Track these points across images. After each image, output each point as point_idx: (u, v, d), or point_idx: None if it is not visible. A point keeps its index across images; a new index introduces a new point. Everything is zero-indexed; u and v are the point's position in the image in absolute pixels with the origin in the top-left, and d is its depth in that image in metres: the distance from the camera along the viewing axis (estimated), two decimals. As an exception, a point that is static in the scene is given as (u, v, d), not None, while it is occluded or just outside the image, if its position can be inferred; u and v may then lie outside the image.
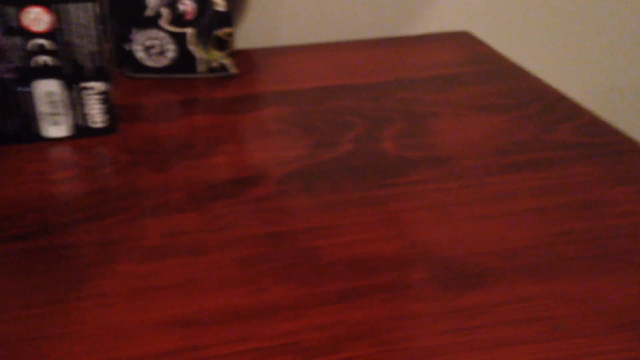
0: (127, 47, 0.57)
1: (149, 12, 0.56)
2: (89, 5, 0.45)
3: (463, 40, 0.69)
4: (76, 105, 0.47)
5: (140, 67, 0.58)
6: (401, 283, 0.34)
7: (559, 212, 0.40)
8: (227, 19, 0.57)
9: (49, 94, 0.46)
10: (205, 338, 0.31)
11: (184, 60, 0.58)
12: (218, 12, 0.57)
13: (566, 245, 0.37)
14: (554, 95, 0.56)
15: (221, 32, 0.58)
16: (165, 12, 0.56)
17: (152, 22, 0.57)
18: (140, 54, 0.57)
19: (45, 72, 0.46)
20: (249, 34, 0.71)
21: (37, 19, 0.44)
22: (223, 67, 0.59)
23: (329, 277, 0.35)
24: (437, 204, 0.41)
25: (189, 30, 0.57)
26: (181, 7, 0.56)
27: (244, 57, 0.64)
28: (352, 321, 0.32)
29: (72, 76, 0.46)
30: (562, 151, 0.47)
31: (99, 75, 0.47)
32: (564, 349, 0.30)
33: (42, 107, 0.46)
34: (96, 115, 0.48)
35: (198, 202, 0.41)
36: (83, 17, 0.45)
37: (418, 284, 0.34)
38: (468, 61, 0.64)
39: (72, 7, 0.44)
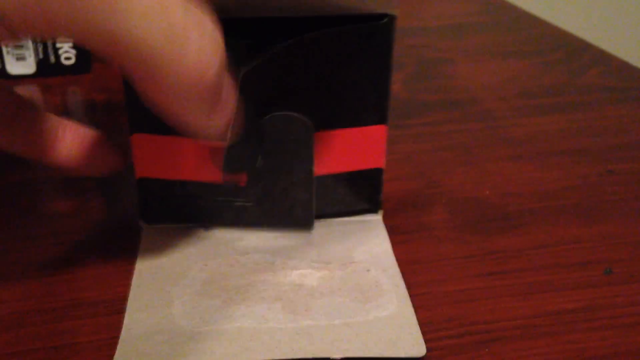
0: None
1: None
2: None
3: (474, -5, 0.64)
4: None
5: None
6: (420, 224, 0.29)
7: (597, 154, 0.35)
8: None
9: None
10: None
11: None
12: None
13: (610, 187, 0.32)
14: (578, 42, 0.51)
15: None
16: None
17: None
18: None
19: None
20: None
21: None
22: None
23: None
24: (458, 144, 0.36)
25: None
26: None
27: None
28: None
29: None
30: (593, 94, 0.42)
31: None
32: (620, 294, 0.25)
33: (8, 42, 0.41)
34: (67, 51, 0.42)
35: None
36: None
37: (439, 225, 0.29)
38: (480, 11, 0.58)
39: None
